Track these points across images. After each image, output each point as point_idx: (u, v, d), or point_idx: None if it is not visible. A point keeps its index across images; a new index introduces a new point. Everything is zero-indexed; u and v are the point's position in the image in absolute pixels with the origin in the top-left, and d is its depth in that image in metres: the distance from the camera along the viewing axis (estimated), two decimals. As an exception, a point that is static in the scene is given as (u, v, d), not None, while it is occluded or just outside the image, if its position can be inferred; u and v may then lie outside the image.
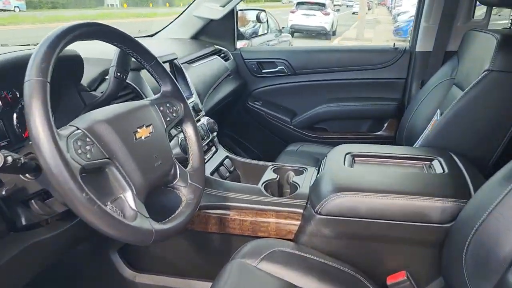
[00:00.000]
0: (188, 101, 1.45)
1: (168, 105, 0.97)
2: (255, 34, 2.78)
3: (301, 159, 1.91)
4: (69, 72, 1.07)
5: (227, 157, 1.49)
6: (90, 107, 1.07)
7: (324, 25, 14.64)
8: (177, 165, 0.93)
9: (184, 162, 1.09)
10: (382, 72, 2.12)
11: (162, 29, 2.20)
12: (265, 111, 2.26)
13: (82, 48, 1.46)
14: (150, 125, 0.87)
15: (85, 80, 1.13)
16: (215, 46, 2.16)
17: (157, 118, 0.91)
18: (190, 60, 1.78)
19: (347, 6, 30.99)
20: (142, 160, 0.82)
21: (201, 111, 1.46)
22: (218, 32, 2.21)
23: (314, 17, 14.69)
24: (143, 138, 0.84)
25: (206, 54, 1.99)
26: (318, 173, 1.33)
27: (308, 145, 2.06)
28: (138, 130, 0.83)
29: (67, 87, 1.10)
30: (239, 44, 2.32)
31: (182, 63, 1.64)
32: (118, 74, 1.06)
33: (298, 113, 2.28)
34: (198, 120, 1.45)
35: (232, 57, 2.22)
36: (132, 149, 0.80)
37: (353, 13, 26.95)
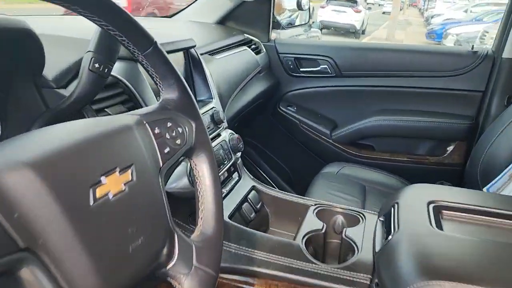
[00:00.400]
0: (206, 108, 1.05)
1: (169, 124, 0.57)
2: (291, 24, 2.35)
3: (343, 186, 1.50)
4: (21, 57, 0.68)
5: (253, 188, 1.09)
6: (50, 115, 0.68)
7: (354, 23, 14.06)
8: (175, 235, 0.53)
9: (192, 199, 0.69)
10: (453, 82, 1.68)
11: (182, 10, 1.80)
12: (299, 119, 1.85)
13: (55, 23, 1.08)
14: (129, 167, 0.47)
15: (52, 71, 0.73)
16: (245, 35, 1.76)
17: (146, 151, 0.51)
18: (212, 51, 1.37)
19: (379, 5, 30.09)
20: (104, 244, 0.42)
21: (223, 122, 1.05)
22: (250, 18, 1.79)
23: (344, 14, 14.13)
24: (110, 197, 0.43)
25: (233, 44, 1.58)
26: (386, 229, 0.91)
27: (351, 167, 1.65)
28: (102, 180, 0.43)
29: (20, 80, 0.71)
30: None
31: (202, 54, 1.24)
32: (97, 65, 0.66)
33: (340, 124, 1.86)
34: (218, 135, 1.05)
35: (264, 49, 1.80)
36: (83, 224, 0.40)
37: (383, 12, 26.15)
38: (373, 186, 1.57)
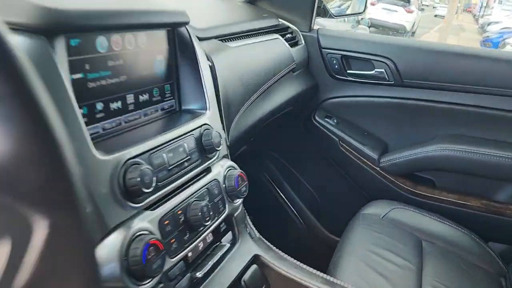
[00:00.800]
0: (190, 126, 0.64)
1: None
2: (341, 14, 1.90)
3: (391, 240, 1.10)
4: None
5: (254, 260, 0.68)
6: None
7: (404, 24, 13.34)
8: None
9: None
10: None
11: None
12: (339, 135, 1.41)
13: None
14: None
15: None
16: (279, 20, 1.34)
17: None
18: (227, 35, 0.96)
19: (434, 7, 28.69)
20: None
21: (217, 149, 0.64)
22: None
23: (395, 13, 13.42)
24: None
25: (260, 29, 1.17)
26: None
27: (403, 209, 1.23)
28: None
29: None
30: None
31: (209, 37, 0.84)
32: None
33: (393, 148, 1.41)
34: (206, 171, 0.64)
35: (303, 41, 1.38)
36: None
37: (436, 15, 24.97)
38: (433, 241, 1.15)
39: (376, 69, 1.35)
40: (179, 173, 0.57)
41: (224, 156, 0.71)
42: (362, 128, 1.43)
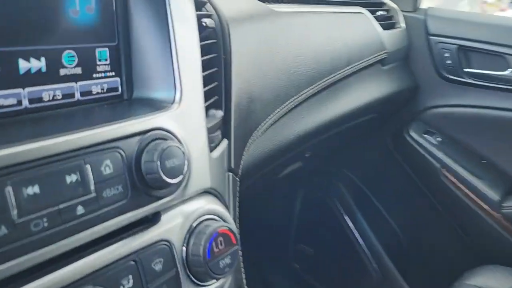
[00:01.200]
0: (126, 124, 0.32)
1: None
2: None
3: None
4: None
5: None
6: None
7: (540, 33, 11.63)
8: None
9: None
10: None
11: None
12: (442, 160, 1.01)
13: None
14: None
15: None
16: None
17: None
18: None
19: None
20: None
21: (170, 184, 0.31)
22: None
23: (529, 19, 11.76)
24: None
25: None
26: None
27: None
28: None
29: None
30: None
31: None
32: None
33: None
34: (154, 220, 0.32)
35: (403, 24, 1.00)
36: None
37: None
38: None
39: (511, 69, 0.91)
40: (53, 231, 0.26)
41: (207, 192, 0.38)
42: (478, 153, 1.00)
